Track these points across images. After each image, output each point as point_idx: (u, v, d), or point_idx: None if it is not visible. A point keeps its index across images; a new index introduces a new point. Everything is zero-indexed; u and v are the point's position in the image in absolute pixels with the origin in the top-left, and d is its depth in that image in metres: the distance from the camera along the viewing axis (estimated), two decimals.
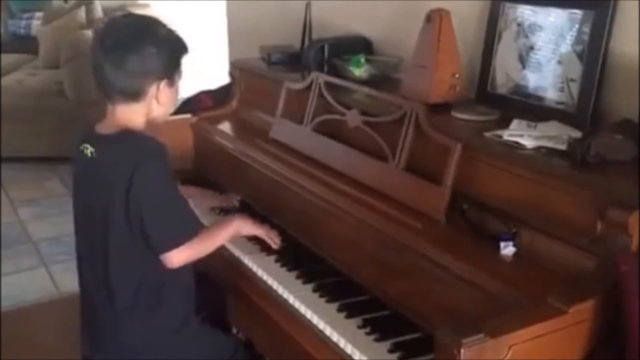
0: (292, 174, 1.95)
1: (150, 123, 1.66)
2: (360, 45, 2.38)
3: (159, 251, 1.59)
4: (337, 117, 1.94)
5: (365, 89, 1.96)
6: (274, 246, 1.86)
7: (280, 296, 1.70)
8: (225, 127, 2.43)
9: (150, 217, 1.56)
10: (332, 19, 2.57)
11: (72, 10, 5.18)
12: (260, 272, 1.79)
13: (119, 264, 1.61)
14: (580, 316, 1.20)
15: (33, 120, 4.58)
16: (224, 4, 3.58)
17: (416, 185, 1.66)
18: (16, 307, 2.94)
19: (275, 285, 1.73)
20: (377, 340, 1.48)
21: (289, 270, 1.78)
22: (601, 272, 1.28)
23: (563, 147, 1.54)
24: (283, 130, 2.13)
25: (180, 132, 2.45)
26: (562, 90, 1.76)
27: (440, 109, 1.85)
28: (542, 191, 1.44)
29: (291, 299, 1.67)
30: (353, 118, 1.89)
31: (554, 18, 1.77)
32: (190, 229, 1.64)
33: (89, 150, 1.62)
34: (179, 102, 3.14)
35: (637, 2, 1.61)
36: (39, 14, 5.55)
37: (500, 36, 1.91)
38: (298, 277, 1.74)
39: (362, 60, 2.21)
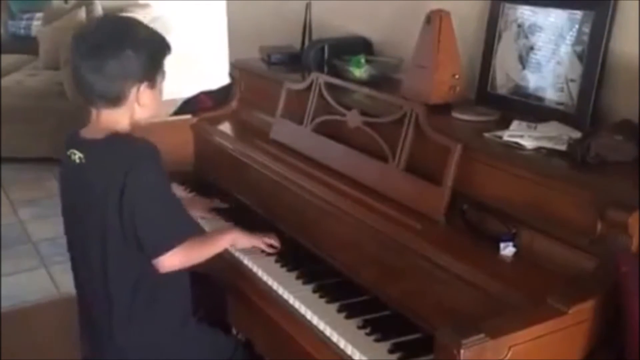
0: (292, 174, 1.95)
1: (134, 125, 1.65)
2: (360, 46, 2.38)
3: (150, 254, 1.58)
4: (337, 117, 1.94)
5: (365, 90, 1.96)
6: (271, 251, 1.86)
7: (280, 297, 1.70)
8: (226, 127, 2.43)
9: (143, 220, 1.55)
10: (332, 20, 2.57)
11: (72, 10, 5.18)
12: (260, 273, 1.79)
13: (114, 267, 1.60)
14: (580, 317, 1.20)
15: (33, 120, 4.58)
16: (224, 4, 3.58)
17: (416, 185, 1.66)
18: (16, 308, 2.94)
19: (275, 285, 1.73)
20: (377, 340, 1.47)
21: (289, 270, 1.78)
22: (601, 272, 1.28)
23: (563, 147, 1.54)
24: (283, 130, 2.13)
25: (180, 132, 2.45)
26: (562, 90, 1.76)
27: (440, 109, 1.85)
28: (542, 192, 1.44)
29: (291, 300, 1.66)
30: (353, 118, 1.89)
31: (554, 18, 1.77)
32: (183, 233, 1.62)
33: (76, 155, 1.60)
34: (180, 103, 3.16)
35: (637, 2, 1.61)
36: (39, 15, 5.54)
37: (500, 37, 1.91)
38: (298, 278, 1.74)
39: (362, 60, 2.21)
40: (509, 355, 1.13)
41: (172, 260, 1.60)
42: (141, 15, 4.35)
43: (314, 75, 2.06)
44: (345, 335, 1.49)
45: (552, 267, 1.37)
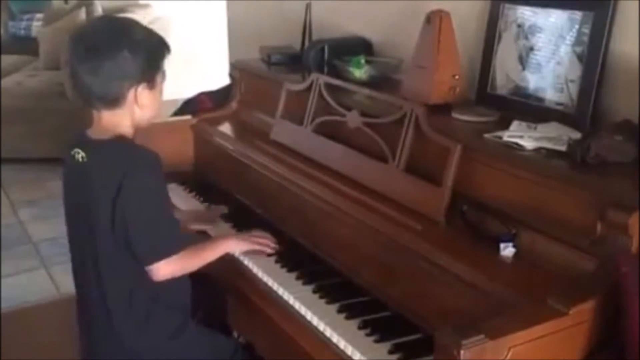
0: (293, 175, 1.95)
1: (137, 127, 1.65)
2: (361, 46, 2.38)
3: (144, 261, 1.58)
4: (337, 118, 1.94)
5: (366, 90, 1.96)
6: (270, 251, 1.86)
7: (280, 297, 1.70)
8: (226, 128, 2.43)
9: (135, 228, 1.55)
10: (332, 20, 2.57)
11: (72, 11, 5.18)
12: (260, 273, 1.79)
13: (108, 269, 1.59)
14: (580, 317, 1.20)
15: (33, 121, 4.58)
16: (224, 4, 3.58)
17: (416, 186, 1.66)
18: (16, 308, 2.94)
19: (275, 286, 1.73)
20: (377, 341, 1.47)
21: (289, 271, 1.78)
22: (601, 273, 1.28)
23: (563, 148, 1.54)
24: (283, 131, 2.13)
25: (180, 133, 2.45)
26: (561, 91, 1.76)
27: (440, 110, 1.85)
28: (542, 192, 1.44)
29: (291, 300, 1.66)
30: (353, 119, 1.89)
31: (554, 19, 1.77)
32: (176, 244, 1.62)
33: (79, 154, 1.60)
34: (180, 103, 3.16)
35: (637, 2, 1.61)
36: (39, 15, 5.55)
37: (500, 37, 1.91)
38: (298, 278, 1.74)
39: (362, 61, 2.21)
40: (508, 355, 1.13)
41: (165, 269, 1.60)
42: (141, 16, 4.35)
43: (314, 75, 2.06)
44: (346, 336, 1.49)
45: (552, 267, 1.37)
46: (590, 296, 1.21)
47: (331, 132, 1.97)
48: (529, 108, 1.82)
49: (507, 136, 1.61)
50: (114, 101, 1.59)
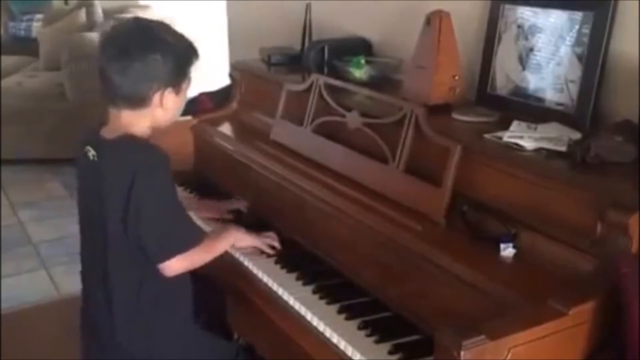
0: (293, 175, 1.95)
1: (155, 129, 1.66)
2: (360, 47, 2.38)
3: (155, 259, 1.59)
4: (337, 118, 1.94)
5: (365, 91, 1.96)
6: (271, 252, 1.85)
7: (280, 298, 1.70)
8: (226, 128, 2.43)
9: (147, 227, 1.55)
10: (332, 21, 2.57)
11: (72, 11, 5.18)
12: (260, 274, 1.79)
13: (116, 270, 1.60)
14: (580, 318, 1.20)
15: (33, 122, 4.58)
16: (224, 5, 3.58)
17: (416, 186, 1.66)
18: (16, 309, 2.94)
19: (275, 287, 1.73)
20: (377, 341, 1.47)
21: (289, 271, 1.78)
22: (601, 273, 1.28)
23: (563, 148, 1.54)
24: (283, 131, 2.13)
25: (180, 133, 2.44)
26: (561, 91, 1.76)
27: (440, 110, 1.85)
28: (542, 193, 1.44)
29: (291, 301, 1.66)
30: (353, 120, 1.89)
31: (554, 19, 1.77)
32: (187, 241, 1.63)
33: (91, 153, 1.62)
34: None
35: (637, 2, 1.61)
36: (39, 16, 5.55)
37: (500, 38, 1.91)
38: (298, 279, 1.74)
39: (362, 61, 2.21)
40: (509, 356, 1.13)
41: (177, 265, 1.61)
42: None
43: (314, 76, 2.06)
44: (346, 337, 1.49)
45: (552, 268, 1.37)
46: (590, 297, 1.21)
47: (331, 132, 1.97)
48: (529, 108, 1.82)
49: (507, 136, 1.61)
50: (140, 102, 1.60)
